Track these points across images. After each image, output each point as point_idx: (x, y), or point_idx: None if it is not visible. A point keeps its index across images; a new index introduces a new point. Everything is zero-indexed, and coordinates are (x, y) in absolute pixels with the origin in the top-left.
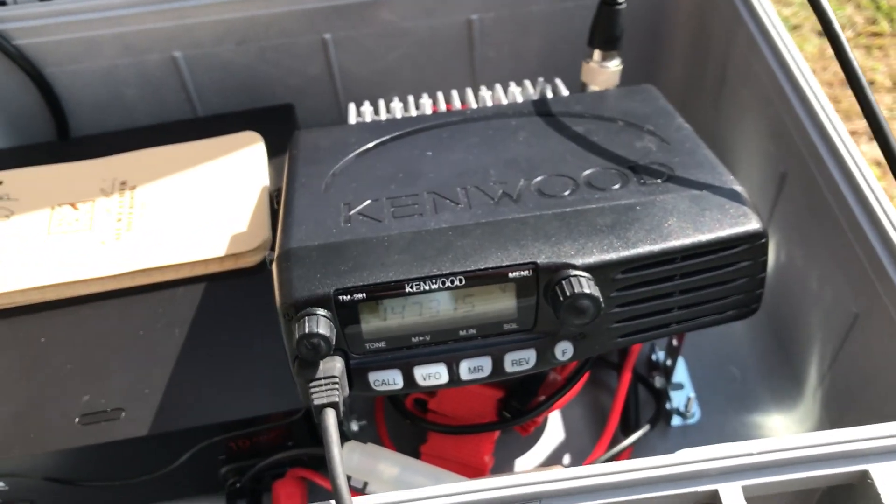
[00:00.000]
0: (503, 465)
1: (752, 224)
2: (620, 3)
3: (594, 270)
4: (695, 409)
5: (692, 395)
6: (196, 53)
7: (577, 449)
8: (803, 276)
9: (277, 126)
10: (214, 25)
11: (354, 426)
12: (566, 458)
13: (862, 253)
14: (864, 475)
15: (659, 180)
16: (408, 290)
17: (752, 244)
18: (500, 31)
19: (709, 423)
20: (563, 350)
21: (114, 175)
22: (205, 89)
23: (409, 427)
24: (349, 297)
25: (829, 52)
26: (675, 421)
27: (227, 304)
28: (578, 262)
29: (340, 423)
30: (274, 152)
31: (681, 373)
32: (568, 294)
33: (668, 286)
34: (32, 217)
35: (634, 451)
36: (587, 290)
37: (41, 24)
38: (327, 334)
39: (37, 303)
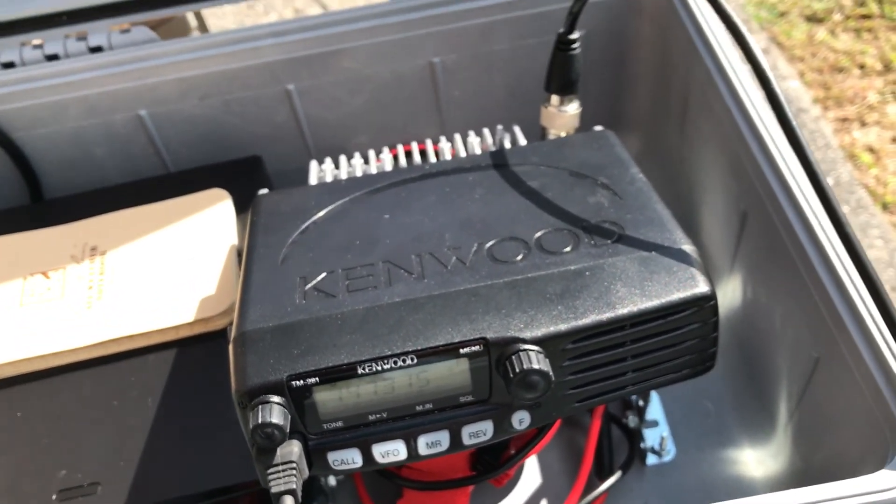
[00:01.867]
0: None
1: (700, 287)
2: (574, 49)
3: (544, 343)
4: (670, 447)
5: (666, 433)
6: (161, 110)
7: (554, 493)
8: (768, 315)
9: (246, 178)
10: (177, 83)
11: (332, 481)
12: None
13: (819, 300)
14: None
15: (609, 241)
16: (360, 371)
17: (701, 307)
18: (464, 72)
19: (684, 460)
20: (520, 419)
21: (84, 240)
22: (172, 144)
23: (386, 481)
24: (302, 381)
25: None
26: (651, 460)
27: (198, 370)
28: (527, 335)
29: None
30: (242, 206)
31: (655, 409)
32: (518, 370)
33: (620, 352)
34: (5, 288)
35: (611, 494)
36: (536, 366)
37: (6, 91)
38: (281, 423)
39: (10, 377)
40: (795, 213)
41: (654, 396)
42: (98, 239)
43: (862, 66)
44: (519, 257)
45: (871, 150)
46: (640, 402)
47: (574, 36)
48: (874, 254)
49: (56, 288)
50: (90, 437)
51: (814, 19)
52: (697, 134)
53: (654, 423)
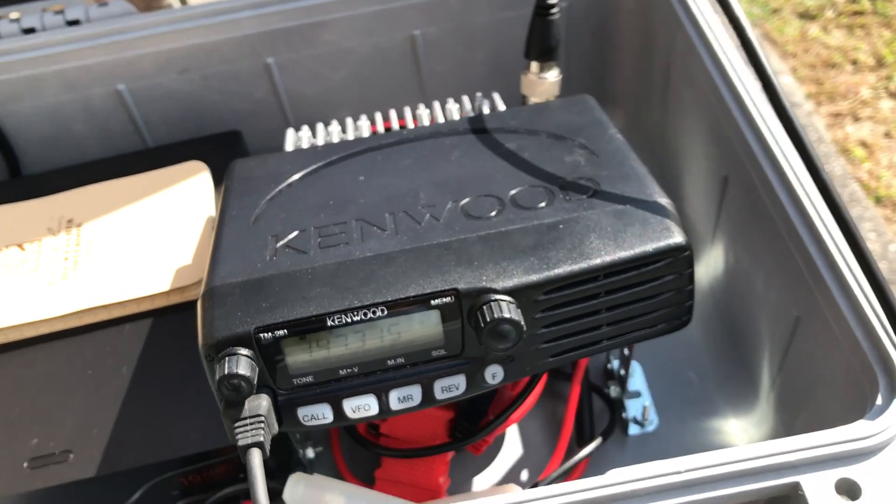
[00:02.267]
0: (460, 485)
1: (675, 238)
2: (553, 14)
3: (516, 293)
4: (652, 417)
5: (648, 403)
6: (139, 85)
7: (535, 463)
8: (750, 279)
9: (224, 153)
10: (155, 56)
11: (311, 453)
12: (524, 474)
13: (799, 258)
14: (796, 487)
15: (584, 196)
16: (329, 323)
17: (676, 258)
18: (445, 45)
19: (667, 430)
20: (493, 374)
21: (60, 213)
22: (151, 119)
23: (364, 452)
24: (270, 334)
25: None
26: (633, 430)
27: (174, 339)
28: (499, 285)
29: (270, 462)
30: (221, 180)
31: (638, 380)
32: (489, 319)
33: (594, 304)
34: None
35: (593, 464)
36: (507, 315)
37: None
38: (248, 374)
39: None
40: (775, 172)
41: (637, 366)
42: (74, 211)
43: (854, 62)
44: (493, 213)
45: (864, 144)
46: (622, 372)
47: (553, 0)
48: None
49: (31, 260)
50: (64, 406)
51: (806, 16)
52: (679, 103)
53: (637, 394)
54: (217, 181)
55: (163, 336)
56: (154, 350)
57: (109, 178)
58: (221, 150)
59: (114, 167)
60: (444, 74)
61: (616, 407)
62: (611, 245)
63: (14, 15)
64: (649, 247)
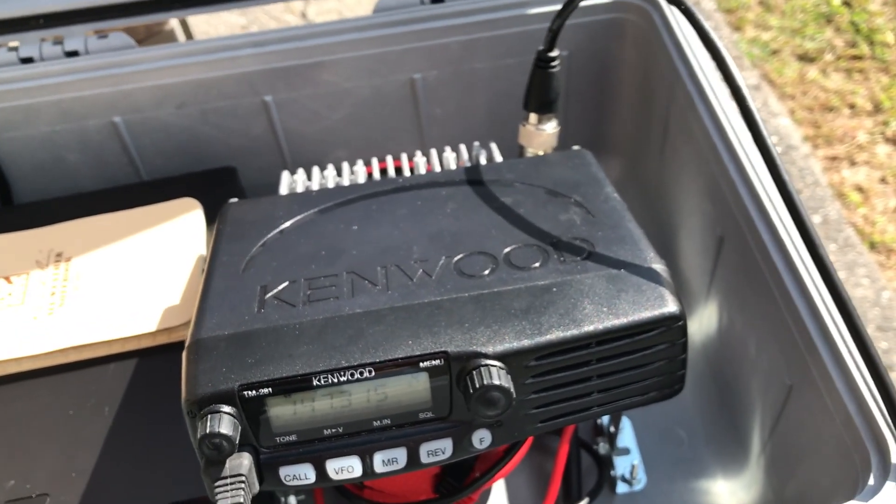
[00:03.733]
0: None
1: (669, 307)
2: (553, 67)
3: (506, 358)
4: (641, 476)
5: (637, 461)
6: (136, 118)
7: None
8: (743, 341)
9: (219, 189)
10: (153, 90)
11: (293, 501)
12: None
13: (793, 326)
14: None
15: (578, 258)
16: (315, 383)
17: (669, 327)
18: (444, 89)
19: (655, 489)
20: (481, 438)
21: (49, 246)
22: (147, 152)
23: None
24: (254, 392)
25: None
26: (621, 488)
27: (159, 381)
28: (489, 350)
29: None
30: (214, 217)
31: (627, 436)
32: (478, 385)
33: (585, 371)
34: None
35: None
36: (497, 382)
37: None
38: (230, 434)
39: None
40: (771, 237)
41: (626, 423)
42: (64, 245)
43: (852, 106)
44: (486, 272)
45: (859, 189)
46: (612, 429)
47: (553, 54)
48: (861, 293)
49: (17, 293)
50: (43, 446)
51: (805, 58)
52: (677, 157)
53: (626, 451)
54: (210, 218)
55: (148, 377)
56: (138, 392)
57: (101, 210)
58: (216, 186)
59: (106, 200)
60: (443, 118)
61: (605, 464)
62: (604, 312)
63: (13, 43)
64: (643, 315)
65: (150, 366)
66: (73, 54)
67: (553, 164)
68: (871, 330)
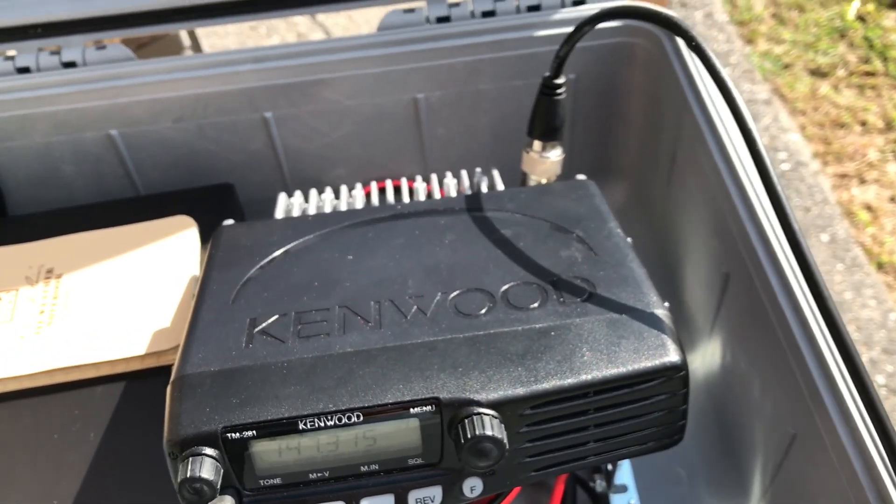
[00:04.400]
0: None
1: (670, 356)
2: (559, 94)
3: (500, 406)
4: None
5: (634, 499)
6: (132, 131)
7: None
8: (746, 383)
9: (216, 206)
10: (150, 104)
11: None
12: None
13: (798, 374)
14: None
15: (578, 299)
16: (301, 426)
17: (670, 377)
18: (448, 109)
19: None
20: (472, 487)
21: (41, 261)
22: (144, 166)
23: None
24: (238, 434)
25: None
26: None
27: (146, 406)
28: (483, 397)
29: None
30: (209, 236)
31: (625, 472)
32: (470, 436)
33: (582, 420)
34: None
35: None
36: (490, 433)
37: None
38: (211, 478)
39: None
40: (779, 281)
41: (624, 460)
42: (55, 261)
43: (863, 123)
44: (483, 311)
45: (868, 208)
46: (610, 467)
47: (560, 81)
48: (867, 314)
49: (6, 310)
50: (24, 471)
51: (818, 73)
52: (684, 188)
53: (623, 489)
54: (205, 236)
55: (135, 402)
56: (125, 416)
57: (96, 225)
58: (213, 202)
59: (101, 214)
60: (446, 138)
61: (601, 502)
62: (603, 360)
63: (10, 52)
64: (643, 364)
65: (137, 390)
66: (70, 65)
67: (556, 195)
68: (877, 352)
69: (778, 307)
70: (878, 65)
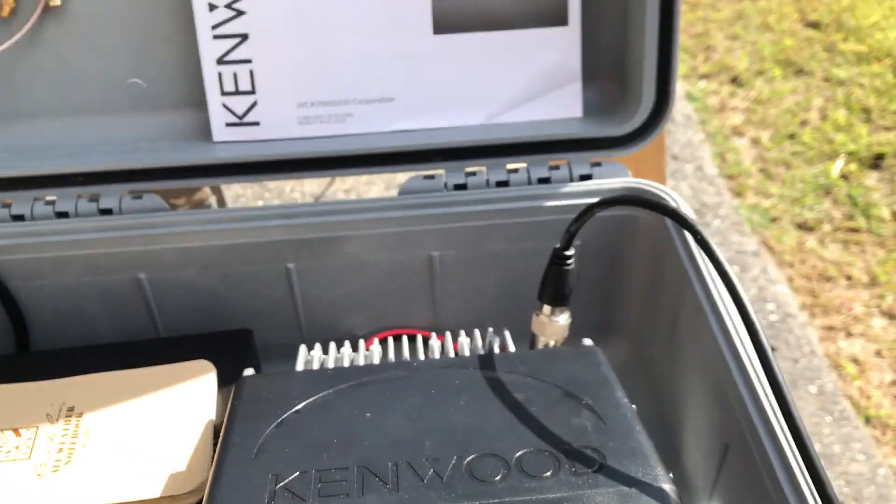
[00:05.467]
0: None
1: None
2: (569, 265)
3: None
4: None
5: None
6: (160, 276)
7: None
8: None
9: (234, 351)
10: (181, 252)
11: None
12: None
13: None
14: None
15: (590, 470)
16: None
17: None
18: (460, 266)
19: None
20: None
21: (62, 399)
22: (166, 308)
23: None
24: None
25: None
26: None
27: None
28: None
29: None
30: (226, 380)
31: None
32: None
33: None
34: None
35: None
36: None
37: (11, 243)
38: None
39: None
40: (780, 462)
41: None
42: (76, 399)
43: (849, 277)
44: (497, 477)
45: (855, 361)
46: None
47: (569, 252)
48: (856, 468)
49: (24, 447)
50: None
51: (804, 227)
52: (685, 353)
53: None
54: (222, 380)
55: None
56: None
57: (116, 364)
58: (232, 347)
59: (122, 353)
60: (457, 291)
61: None
62: None
63: (50, 197)
64: None
65: None
66: (106, 212)
67: (566, 361)
68: None
69: (780, 489)
70: (861, 222)
